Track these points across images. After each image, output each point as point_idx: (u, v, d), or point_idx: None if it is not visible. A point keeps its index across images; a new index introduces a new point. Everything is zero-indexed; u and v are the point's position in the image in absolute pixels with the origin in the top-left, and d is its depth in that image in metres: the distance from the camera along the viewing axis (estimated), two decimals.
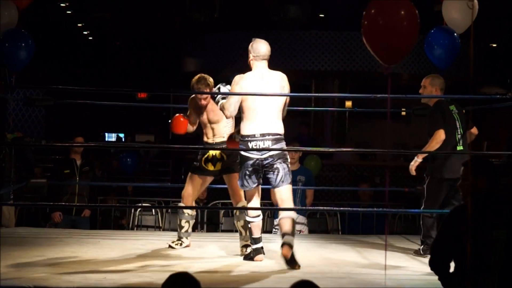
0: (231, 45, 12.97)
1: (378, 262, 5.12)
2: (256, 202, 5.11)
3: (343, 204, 9.10)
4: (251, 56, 5.05)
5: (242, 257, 5.24)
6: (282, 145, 4.96)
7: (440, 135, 5.47)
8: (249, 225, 5.15)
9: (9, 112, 7.69)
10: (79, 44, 16.71)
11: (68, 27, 15.58)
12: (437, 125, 5.50)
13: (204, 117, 5.55)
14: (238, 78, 5.04)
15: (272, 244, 5.36)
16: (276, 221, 6.96)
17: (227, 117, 5.22)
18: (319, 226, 7.82)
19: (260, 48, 5.03)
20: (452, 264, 3.40)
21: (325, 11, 13.84)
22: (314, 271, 4.80)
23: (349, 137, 14.56)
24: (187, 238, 5.66)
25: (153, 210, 7.89)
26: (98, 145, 11.79)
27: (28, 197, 8.32)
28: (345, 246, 5.98)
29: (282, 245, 4.81)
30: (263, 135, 4.90)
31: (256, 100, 4.93)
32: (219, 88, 5.23)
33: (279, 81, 5.00)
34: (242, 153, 4.98)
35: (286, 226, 4.88)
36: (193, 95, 5.60)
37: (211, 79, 5.53)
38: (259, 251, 5.10)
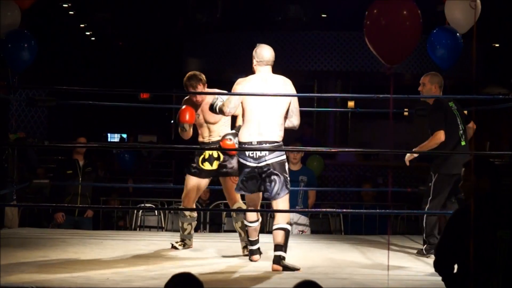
0: (233, 45, 12.97)
1: (381, 262, 5.11)
2: (254, 214, 5.12)
3: (346, 204, 9.10)
4: (254, 61, 5.00)
5: (244, 257, 5.24)
6: (281, 152, 4.90)
7: (440, 137, 5.46)
8: (246, 229, 5.16)
9: (12, 112, 7.68)
10: (81, 44, 16.72)
11: (70, 27, 15.60)
12: (438, 125, 5.49)
13: (200, 117, 5.48)
14: (241, 80, 5.02)
15: (272, 244, 5.33)
16: None
17: (225, 114, 5.15)
18: (322, 226, 7.82)
19: (263, 53, 4.98)
20: (456, 265, 3.40)
21: (328, 11, 13.83)
22: (316, 271, 4.80)
23: (352, 137, 14.56)
24: (189, 239, 5.66)
25: (156, 211, 7.89)
26: (101, 145, 11.79)
27: (31, 198, 8.32)
28: (348, 247, 5.98)
29: (273, 260, 4.82)
30: (260, 143, 4.84)
31: (257, 104, 4.88)
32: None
33: (283, 86, 4.95)
34: (240, 160, 4.95)
35: (278, 238, 4.85)
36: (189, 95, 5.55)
37: (203, 76, 5.48)
38: (255, 251, 5.13)
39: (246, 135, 4.89)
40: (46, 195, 7.65)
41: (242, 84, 4.97)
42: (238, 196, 5.40)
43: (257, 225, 5.14)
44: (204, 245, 5.77)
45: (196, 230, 6.61)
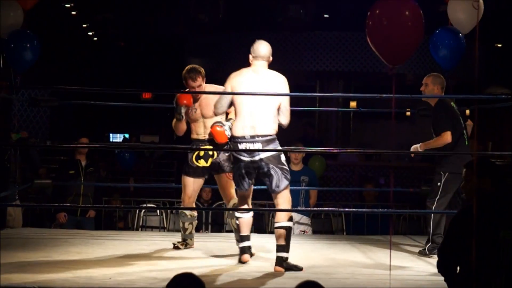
0: (235, 45, 12.96)
1: (383, 262, 5.11)
2: (245, 205, 5.05)
3: (348, 204, 9.10)
4: (251, 56, 4.98)
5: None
6: (275, 146, 4.84)
7: (447, 138, 5.48)
8: (237, 221, 5.09)
9: (14, 112, 7.69)
10: (83, 44, 16.73)
11: (72, 28, 15.60)
12: (445, 125, 5.51)
13: (198, 112, 5.42)
14: (233, 74, 4.98)
15: (274, 244, 5.33)
16: None
17: (216, 114, 5.15)
18: (324, 226, 7.82)
19: (259, 48, 4.96)
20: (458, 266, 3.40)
21: (330, 12, 13.83)
22: (318, 271, 4.80)
23: (354, 138, 14.56)
24: (191, 239, 5.66)
25: (158, 211, 7.89)
26: (103, 145, 11.79)
27: (33, 198, 8.33)
28: (350, 247, 5.98)
29: (276, 262, 4.80)
30: (253, 137, 4.79)
31: (248, 96, 4.82)
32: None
33: (275, 79, 4.88)
34: (234, 154, 4.92)
35: (280, 238, 4.82)
36: (186, 87, 5.50)
37: (202, 69, 5.45)
38: (245, 250, 5.01)
39: (239, 129, 4.83)
40: (49, 195, 7.66)
41: (233, 77, 4.93)
42: (233, 192, 5.38)
43: (248, 217, 5.05)
44: (206, 245, 5.78)
45: (198, 230, 6.62)
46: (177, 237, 5.78)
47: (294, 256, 4.98)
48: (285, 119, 4.91)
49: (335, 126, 14.10)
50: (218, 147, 5.06)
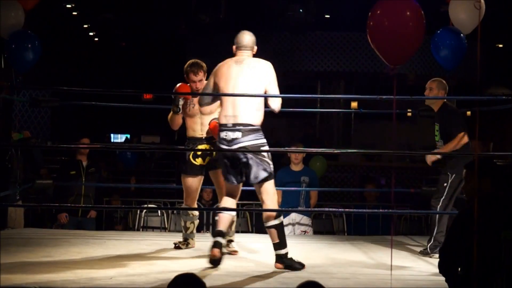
0: None
1: (384, 262, 5.11)
2: (229, 200, 4.95)
3: (349, 205, 9.11)
4: (234, 47, 4.97)
5: (247, 257, 5.23)
6: (257, 136, 4.76)
7: (465, 139, 5.53)
8: (217, 218, 4.96)
9: (15, 113, 7.69)
10: (85, 45, 16.74)
11: (74, 28, 15.61)
12: (459, 127, 5.55)
13: (196, 107, 5.39)
14: (218, 65, 4.97)
15: None
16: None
17: (200, 106, 5.11)
18: (325, 227, 7.82)
19: (241, 38, 4.94)
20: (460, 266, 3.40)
21: (331, 12, 13.84)
22: (319, 271, 4.80)
23: (355, 138, 14.56)
24: (192, 239, 5.67)
25: (159, 211, 7.89)
26: (104, 146, 11.79)
27: (34, 198, 8.33)
28: (351, 247, 5.98)
29: (276, 259, 4.80)
30: (234, 125, 4.73)
31: (229, 83, 4.79)
32: None
33: (259, 65, 4.83)
34: (217, 143, 4.86)
35: (273, 236, 4.81)
36: (186, 82, 5.49)
37: (204, 64, 5.46)
38: (217, 244, 4.74)
39: (222, 118, 4.80)
40: (50, 196, 7.66)
41: (216, 68, 4.94)
42: None
43: (227, 214, 4.90)
44: (207, 245, 5.74)
45: (199, 230, 6.62)
46: (178, 238, 5.78)
47: (295, 256, 4.98)
48: (274, 103, 4.83)
49: (336, 126, 14.11)
50: (216, 145, 5.05)
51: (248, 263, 5.11)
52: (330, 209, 7.67)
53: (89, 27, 15.89)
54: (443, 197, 5.54)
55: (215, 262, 4.74)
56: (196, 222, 5.70)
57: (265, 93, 4.80)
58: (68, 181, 7.27)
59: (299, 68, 13.15)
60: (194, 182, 5.51)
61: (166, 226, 7.80)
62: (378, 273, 4.80)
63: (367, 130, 16.42)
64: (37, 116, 14.18)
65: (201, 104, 5.11)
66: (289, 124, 16.49)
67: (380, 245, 6.03)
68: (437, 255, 3.89)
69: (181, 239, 5.67)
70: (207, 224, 7.75)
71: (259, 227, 7.25)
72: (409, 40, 4.57)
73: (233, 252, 5.42)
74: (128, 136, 18.97)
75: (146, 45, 17.32)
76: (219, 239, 4.77)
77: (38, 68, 6.94)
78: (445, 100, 5.74)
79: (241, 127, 4.72)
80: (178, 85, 5.35)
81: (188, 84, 5.42)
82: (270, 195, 4.85)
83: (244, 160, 4.76)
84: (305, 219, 7.04)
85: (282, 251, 4.81)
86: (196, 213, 5.70)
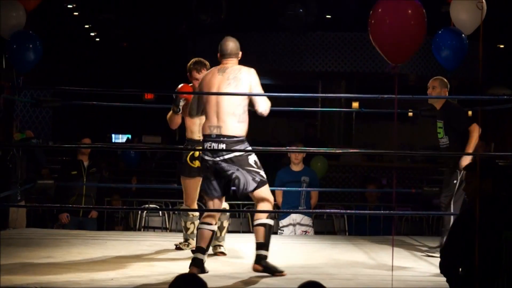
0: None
1: (385, 263, 5.11)
2: (209, 216, 4.73)
3: (350, 205, 9.11)
4: (219, 55, 4.91)
5: (248, 257, 5.22)
6: (241, 147, 4.62)
7: (479, 129, 5.45)
8: (198, 231, 4.75)
9: (17, 113, 7.69)
10: (86, 45, 16.76)
11: (75, 28, 15.62)
12: (467, 121, 5.54)
13: None
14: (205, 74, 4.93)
15: (276, 245, 5.33)
16: (281, 223, 6.95)
17: (191, 117, 5.09)
18: (326, 227, 7.82)
19: (224, 45, 4.89)
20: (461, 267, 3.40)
21: (332, 12, 13.84)
22: (321, 272, 4.80)
23: (356, 138, 14.56)
24: (193, 239, 5.66)
25: (160, 212, 7.89)
26: (105, 146, 11.80)
27: (36, 198, 8.33)
28: (352, 247, 5.97)
29: (255, 259, 4.63)
30: (218, 136, 4.63)
31: (211, 96, 4.70)
32: None
33: (240, 73, 4.71)
34: (201, 154, 4.76)
35: (259, 235, 4.65)
36: (189, 81, 5.49)
37: (207, 63, 5.45)
38: (197, 262, 4.58)
39: (206, 128, 4.69)
40: (51, 196, 7.66)
41: (202, 78, 4.90)
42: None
43: (210, 228, 4.69)
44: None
45: None
46: (179, 238, 5.78)
47: (295, 256, 4.98)
48: (260, 106, 4.71)
49: (337, 126, 14.11)
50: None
51: (249, 263, 5.10)
52: (331, 210, 7.66)
53: (90, 27, 15.91)
54: (454, 194, 5.53)
55: None
56: (197, 222, 5.68)
57: (250, 101, 4.71)
58: (69, 181, 7.27)
59: (300, 69, 13.15)
60: (192, 184, 5.50)
61: (167, 226, 7.80)
62: (379, 273, 4.80)
63: (369, 130, 16.42)
64: (39, 116, 14.19)
65: (190, 116, 5.07)
66: (290, 124, 16.52)
67: (381, 245, 6.03)
68: None
69: (182, 240, 5.67)
70: None
71: None
72: (410, 38, 4.57)
73: (219, 254, 5.39)
74: (129, 136, 18.96)
75: (147, 45, 17.33)
76: (199, 255, 4.64)
77: (39, 69, 6.94)
78: (445, 97, 5.72)
79: (225, 139, 4.62)
80: (180, 85, 5.35)
81: (191, 84, 5.41)
82: (264, 200, 4.73)
83: (230, 172, 4.64)
84: (306, 219, 7.04)
85: (263, 253, 4.63)
86: (196, 213, 5.69)
